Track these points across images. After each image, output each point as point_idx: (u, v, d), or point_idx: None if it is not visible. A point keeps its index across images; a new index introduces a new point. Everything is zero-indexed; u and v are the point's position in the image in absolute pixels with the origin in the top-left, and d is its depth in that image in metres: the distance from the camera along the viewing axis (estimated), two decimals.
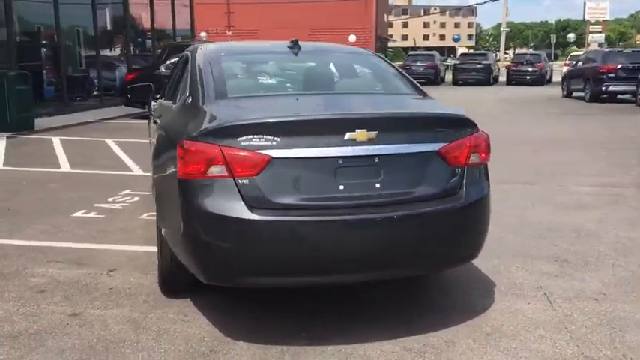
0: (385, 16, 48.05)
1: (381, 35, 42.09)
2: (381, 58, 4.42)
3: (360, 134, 2.92)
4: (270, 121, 2.95)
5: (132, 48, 18.98)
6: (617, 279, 3.77)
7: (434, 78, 29.43)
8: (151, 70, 13.88)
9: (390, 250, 2.98)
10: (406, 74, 4.10)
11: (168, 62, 12.63)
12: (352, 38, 31.15)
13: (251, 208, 2.82)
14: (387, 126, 3.05)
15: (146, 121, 5.92)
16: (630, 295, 3.54)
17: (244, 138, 2.84)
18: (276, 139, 2.85)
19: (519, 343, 2.97)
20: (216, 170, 2.83)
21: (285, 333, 3.08)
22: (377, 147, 2.96)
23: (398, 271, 3.15)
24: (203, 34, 24.00)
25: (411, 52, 36.63)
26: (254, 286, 3.25)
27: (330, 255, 2.91)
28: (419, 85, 3.95)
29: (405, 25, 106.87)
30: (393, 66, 4.27)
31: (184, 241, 2.97)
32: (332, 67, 4.26)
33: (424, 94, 3.78)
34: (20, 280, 3.83)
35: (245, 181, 2.84)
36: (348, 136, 2.89)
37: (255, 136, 2.84)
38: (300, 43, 4.07)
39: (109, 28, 18.74)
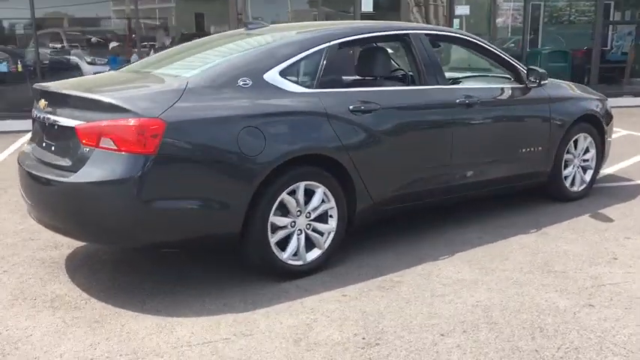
0: None
1: None
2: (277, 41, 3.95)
3: (41, 103, 3.64)
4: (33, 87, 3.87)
5: None
6: None
7: None
8: None
9: (44, 210, 3.54)
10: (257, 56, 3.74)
11: None
12: None
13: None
14: (51, 99, 3.58)
15: None
16: None
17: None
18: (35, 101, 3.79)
19: None
20: None
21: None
22: (50, 116, 3.51)
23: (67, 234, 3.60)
24: None
25: None
26: None
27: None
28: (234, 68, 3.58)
29: None
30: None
31: None
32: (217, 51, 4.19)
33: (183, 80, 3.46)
34: None
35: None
36: (37, 103, 3.68)
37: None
38: (257, 28, 4.41)
39: None
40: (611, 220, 4.80)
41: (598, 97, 5.55)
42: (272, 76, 3.62)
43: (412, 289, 3.55)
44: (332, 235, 3.81)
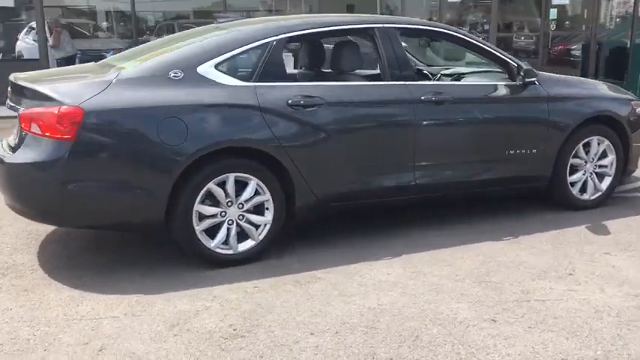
0: None
1: None
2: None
3: (8, 91, 3.90)
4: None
5: None
6: None
7: None
8: None
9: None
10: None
11: None
12: None
13: None
14: (15, 89, 3.84)
15: None
16: None
17: None
18: None
19: None
20: None
21: None
22: (13, 104, 3.80)
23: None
24: None
25: None
26: None
27: None
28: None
29: None
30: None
31: None
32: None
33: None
34: None
35: None
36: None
37: None
38: (225, 22, 4.43)
39: None
40: (607, 234, 4.37)
41: (623, 98, 5.02)
42: (206, 68, 3.73)
43: (325, 287, 3.52)
44: (268, 227, 3.86)
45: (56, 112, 3.39)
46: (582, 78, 5.33)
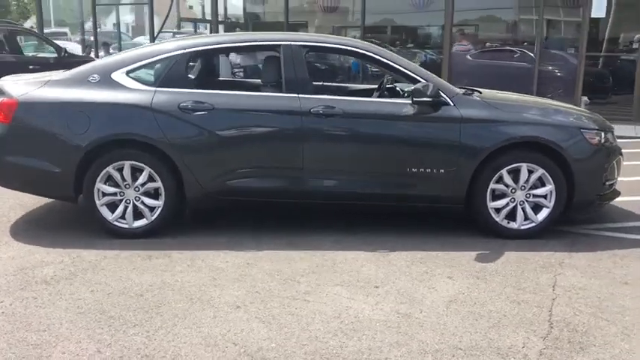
0: None
1: None
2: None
3: None
4: None
5: None
6: None
7: None
8: None
9: None
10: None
11: None
12: None
13: None
14: None
15: None
16: None
17: None
18: None
19: None
20: None
21: None
22: None
23: None
24: None
25: None
26: None
27: None
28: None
29: None
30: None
31: None
32: None
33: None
34: None
35: None
36: None
37: None
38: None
39: None
40: (486, 262, 4.21)
41: (569, 126, 4.66)
42: (118, 74, 4.60)
43: (161, 264, 4.11)
44: (159, 209, 4.58)
45: (1, 101, 4.57)
46: (537, 100, 4.95)
